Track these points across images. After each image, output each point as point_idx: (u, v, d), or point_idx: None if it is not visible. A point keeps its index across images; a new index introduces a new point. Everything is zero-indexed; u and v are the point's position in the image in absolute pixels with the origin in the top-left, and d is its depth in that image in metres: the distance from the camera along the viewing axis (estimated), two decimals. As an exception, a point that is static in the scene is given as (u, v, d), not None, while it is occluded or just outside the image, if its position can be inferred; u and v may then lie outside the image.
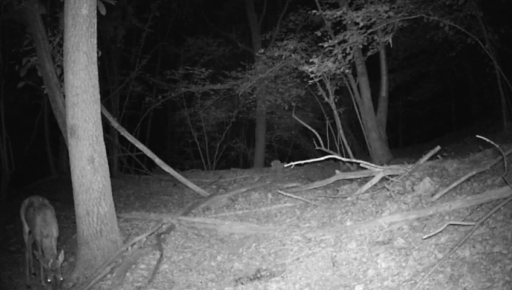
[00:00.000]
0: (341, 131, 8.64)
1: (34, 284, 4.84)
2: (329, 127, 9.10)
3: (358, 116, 9.36)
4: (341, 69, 7.77)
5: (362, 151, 13.12)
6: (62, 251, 4.33)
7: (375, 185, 5.77)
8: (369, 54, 8.12)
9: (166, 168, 7.77)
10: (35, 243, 4.69)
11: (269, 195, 6.82)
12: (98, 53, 4.97)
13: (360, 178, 6.60)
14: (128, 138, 7.59)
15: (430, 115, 17.94)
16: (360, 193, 5.70)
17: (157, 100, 13.45)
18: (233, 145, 15.42)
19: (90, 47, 4.76)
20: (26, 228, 5.02)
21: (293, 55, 9.05)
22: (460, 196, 4.45)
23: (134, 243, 5.09)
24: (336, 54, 7.35)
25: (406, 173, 5.46)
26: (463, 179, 4.72)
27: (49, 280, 4.16)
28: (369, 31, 7.24)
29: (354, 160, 6.61)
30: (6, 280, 5.06)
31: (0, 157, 10.53)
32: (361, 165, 6.12)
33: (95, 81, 4.84)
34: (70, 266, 5.07)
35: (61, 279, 4.18)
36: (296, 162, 5.52)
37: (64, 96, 5.14)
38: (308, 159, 5.88)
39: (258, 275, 4.22)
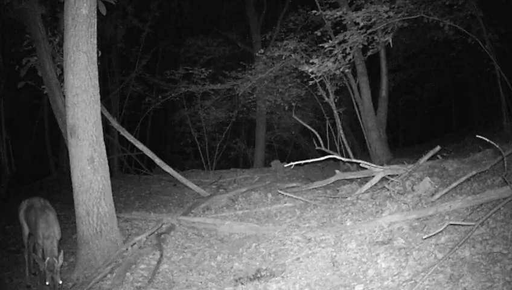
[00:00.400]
0: (341, 131, 8.63)
1: (34, 284, 4.84)
2: (329, 127, 9.09)
3: (358, 116, 9.35)
4: (341, 69, 7.76)
5: (362, 151, 13.10)
6: (62, 252, 4.26)
7: (375, 185, 5.78)
8: (369, 54, 8.11)
9: (166, 168, 7.77)
10: (37, 245, 4.58)
11: (269, 195, 6.82)
12: (98, 53, 4.97)
13: (360, 178, 6.60)
14: (128, 138, 7.60)
15: (430, 115, 17.95)
16: (360, 193, 5.70)
17: (157, 100, 13.44)
18: (233, 145, 15.40)
19: (90, 47, 4.77)
20: (26, 230, 4.90)
21: (293, 55, 9.04)
22: (460, 196, 4.45)
23: (134, 243, 5.09)
24: (336, 54, 7.35)
25: (406, 173, 5.46)
26: (463, 179, 4.72)
27: (47, 283, 4.02)
28: (369, 31, 7.24)
29: (354, 160, 6.61)
30: (6, 280, 5.06)
31: (0, 158, 10.53)
32: (361, 165, 6.12)
33: (95, 81, 4.85)
34: (70, 266, 5.06)
35: (60, 282, 4.06)
36: (296, 162, 5.52)
37: (64, 96, 5.14)
38: (308, 159, 5.87)
39: (258, 275, 4.22)
